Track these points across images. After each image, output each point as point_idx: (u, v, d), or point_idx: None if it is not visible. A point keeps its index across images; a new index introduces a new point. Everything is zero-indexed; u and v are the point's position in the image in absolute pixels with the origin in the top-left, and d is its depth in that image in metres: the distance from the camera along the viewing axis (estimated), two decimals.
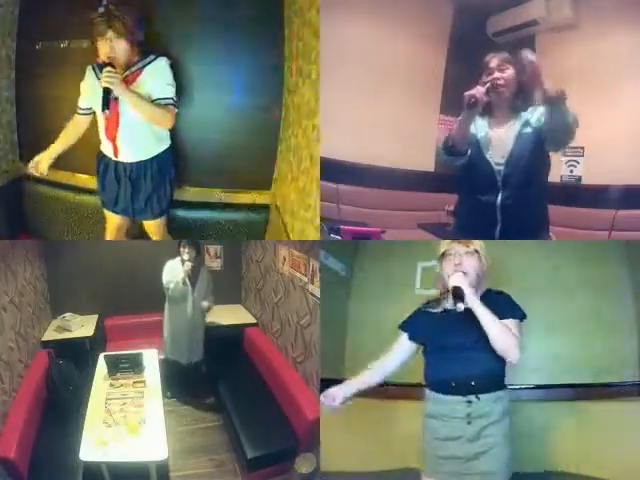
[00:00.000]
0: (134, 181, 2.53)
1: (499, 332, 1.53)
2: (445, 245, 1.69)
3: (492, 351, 1.54)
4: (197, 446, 3.06)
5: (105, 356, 3.14)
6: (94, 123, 2.48)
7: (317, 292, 2.87)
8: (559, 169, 3.97)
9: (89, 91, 2.40)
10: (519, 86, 2.01)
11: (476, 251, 1.65)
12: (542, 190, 2.13)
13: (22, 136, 3.02)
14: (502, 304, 1.61)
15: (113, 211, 2.67)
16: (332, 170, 3.41)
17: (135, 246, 3.69)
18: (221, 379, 3.51)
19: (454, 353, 1.59)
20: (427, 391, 1.67)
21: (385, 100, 4.17)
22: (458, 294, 1.56)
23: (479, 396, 1.56)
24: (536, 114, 1.99)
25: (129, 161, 2.50)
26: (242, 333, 3.99)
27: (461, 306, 1.55)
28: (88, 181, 2.90)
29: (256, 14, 2.61)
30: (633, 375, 2.25)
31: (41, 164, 2.38)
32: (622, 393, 2.19)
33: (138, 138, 2.46)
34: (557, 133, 1.92)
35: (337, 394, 1.66)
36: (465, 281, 1.58)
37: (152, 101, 2.35)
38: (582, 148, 3.88)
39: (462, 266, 1.62)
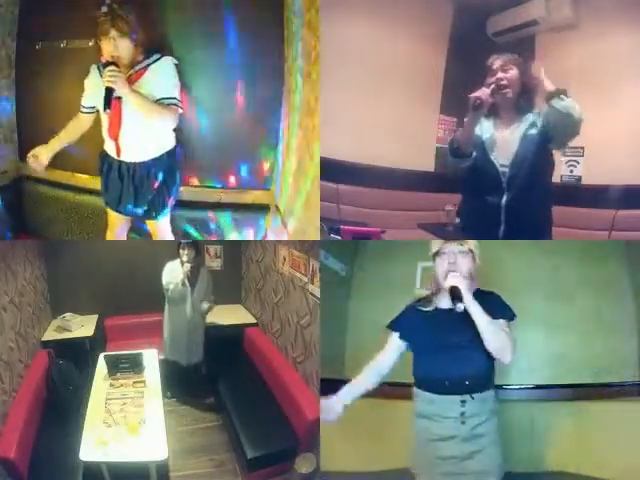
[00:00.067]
0: (137, 181, 2.52)
1: (494, 333, 1.53)
2: (439, 244, 1.68)
3: (485, 351, 1.54)
4: (197, 446, 3.06)
5: (105, 356, 3.14)
6: (97, 122, 2.47)
7: (317, 292, 2.87)
8: (559, 169, 3.96)
9: (93, 90, 2.39)
10: (523, 86, 2.01)
11: (470, 251, 1.64)
12: (546, 192, 2.13)
13: (22, 136, 3.00)
14: (493, 304, 1.61)
15: (117, 211, 2.65)
16: (332, 170, 3.41)
17: (135, 246, 3.69)
18: (221, 379, 3.51)
19: (448, 352, 1.58)
20: (416, 390, 1.66)
21: (385, 100, 4.16)
22: (456, 294, 1.56)
23: (473, 395, 1.56)
24: (542, 114, 1.98)
25: (132, 161, 2.49)
26: (242, 333, 4.00)
27: (461, 306, 1.55)
28: (88, 181, 2.90)
29: (256, 14, 2.61)
30: (633, 375, 2.24)
31: (40, 157, 2.36)
32: (622, 393, 2.19)
33: (141, 138, 2.44)
34: (562, 127, 1.91)
35: (337, 407, 1.65)
36: (463, 281, 1.58)
37: (155, 100, 2.34)
38: (582, 148, 3.88)
39: (456, 265, 1.62)
